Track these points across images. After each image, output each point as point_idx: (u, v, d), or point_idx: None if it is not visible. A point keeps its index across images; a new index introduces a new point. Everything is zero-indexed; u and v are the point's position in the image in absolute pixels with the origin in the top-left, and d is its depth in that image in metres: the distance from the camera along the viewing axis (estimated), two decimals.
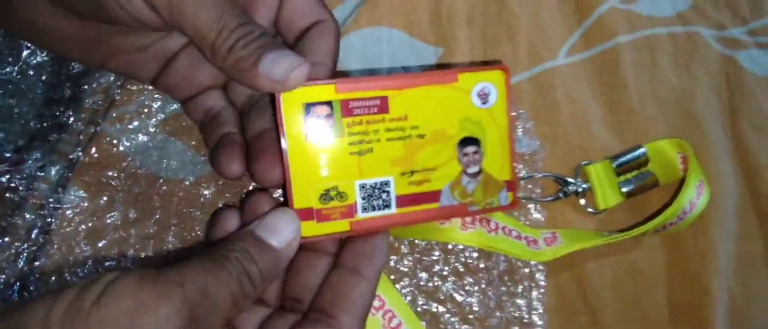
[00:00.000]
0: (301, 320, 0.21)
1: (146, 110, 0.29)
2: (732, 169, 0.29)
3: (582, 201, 0.28)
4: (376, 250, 0.21)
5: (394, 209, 0.22)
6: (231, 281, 0.18)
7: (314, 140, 0.21)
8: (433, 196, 0.22)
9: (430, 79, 0.22)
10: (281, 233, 0.20)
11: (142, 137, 0.28)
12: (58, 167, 0.27)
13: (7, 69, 0.28)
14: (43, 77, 0.29)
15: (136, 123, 0.29)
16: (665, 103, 0.30)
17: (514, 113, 0.29)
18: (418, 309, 0.27)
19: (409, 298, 0.27)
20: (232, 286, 0.18)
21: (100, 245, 0.26)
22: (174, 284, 0.16)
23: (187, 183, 0.27)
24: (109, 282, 0.16)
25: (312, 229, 0.21)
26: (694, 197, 0.26)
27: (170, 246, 0.26)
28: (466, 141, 0.23)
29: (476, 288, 0.27)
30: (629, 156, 0.29)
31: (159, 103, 0.29)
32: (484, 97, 0.23)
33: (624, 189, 0.28)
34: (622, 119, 0.30)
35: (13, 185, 0.26)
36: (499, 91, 0.23)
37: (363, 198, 0.22)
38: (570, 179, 0.28)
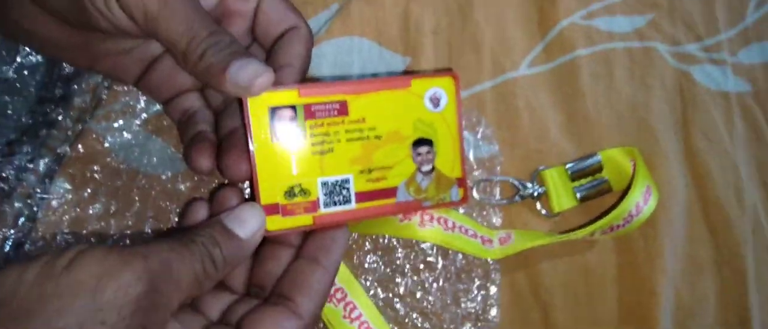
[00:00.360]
0: (263, 303, 0.22)
1: (130, 110, 0.31)
2: (683, 176, 0.31)
3: (538, 205, 0.30)
4: (335, 242, 0.23)
5: (353, 205, 0.24)
6: (194, 260, 0.20)
7: (279, 141, 0.23)
8: (390, 192, 0.24)
9: (386, 85, 0.24)
10: (247, 224, 0.22)
11: (125, 135, 0.30)
12: (46, 161, 0.29)
13: (4, 68, 0.30)
14: (37, 77, 0.31)
15: (120, 122, 0.31)
16: (620, 113, 0.32)
17: (474, 119, 0.31)
18: (379, 303, 0.28)
19: (371, 292, 0.28)
20: (195, 265, 0.20)
21: (82, 233, 0.28)
22: (138, 255, 0.18)
23: (164, 178, 0.29)
24: (79, 250, 0.18)
25: (277, 223, 0.23)
26: (641, 202, 0.28)
27: (147, 236, 0.28)
28: (420, 142, 0.24)
29: (434, 284, 0.28)
30: (584, 163, 0.30)
31: (142, 103, 0.31)
32: (435, 101, 0.24)
33: (578, 194, 0.30)
34: (579, 128, 0.32)
35: (3, 175, 0.28)
36: (450, 95, 0.24)
37: (325, 194, 0.23)
38: (527, 183, 0.30)
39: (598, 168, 0.30)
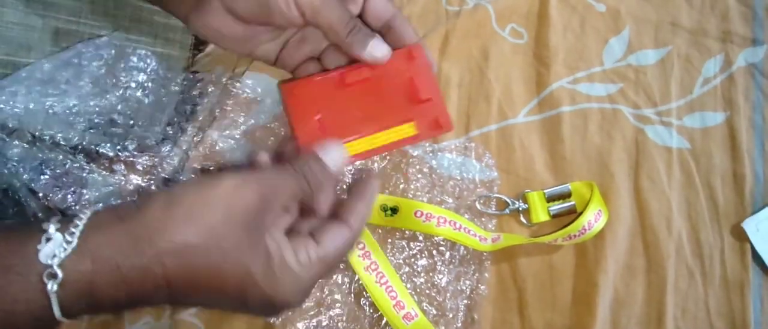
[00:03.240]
0: (326, 220, 0.29)
1: (235, 123, 0.44)
2: (629, 207, 0.42)
3: (521, 217, 0.42)
4: (370, 185, 0.31)
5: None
6: (294, 183, 0.27)
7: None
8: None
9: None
10: (334, 157, 0.29)
11: (231, 142, 0.43)
12: (179, 157, 0.42)
13: (142, 77, 0.42)
14: (175, 87, 0.43)
15: (228, 132, 0.43)
16: (589, 156, 0.44)
17: (480, 151, 0.43)
18: (403, 275, 0.40)
19: (400, 269, 0.40)
20: (293, 187, 0.27)
21: None
22: (254, 178, 0.26)
23: None
24: (220, 174, 0.26)
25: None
26: (592, 220, 0.39)
27: None
28: None
29: (443, 266, 0.40)
30: (558, 190, 0.42)
31: (242, 118, 0.44)
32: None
33: (551, 212, 0.42)
34: (557, 164, 0.43)
35: (152, 164, 0.41)
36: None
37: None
38: (515, 201, 0.42)
39: (568, 194, 0.42)
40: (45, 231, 0.24)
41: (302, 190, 0.28)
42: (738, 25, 0.49)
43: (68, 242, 0.23)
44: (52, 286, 0.23)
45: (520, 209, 0.42)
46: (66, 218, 0.24)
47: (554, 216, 0.41)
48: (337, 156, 0.29)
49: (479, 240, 0.40)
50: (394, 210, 0.40)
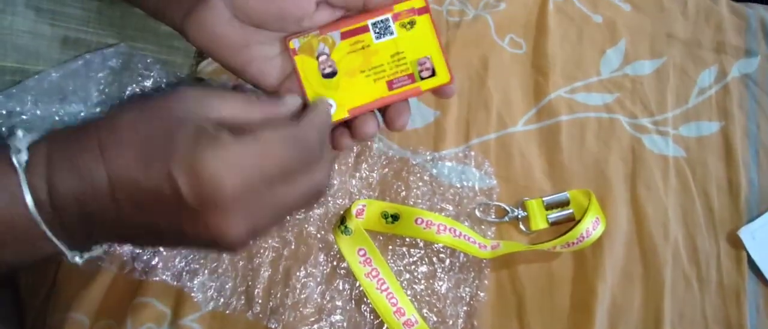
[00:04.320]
0: None
1: None
2: (626, 214, 0.43)
3: (520, 224, 0.42)
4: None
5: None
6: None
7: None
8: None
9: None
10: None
11: None
12: None
13: (148, 83, 0.42)
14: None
15: None
16: (587, 165, 0.44)
17: (480, 159, 0.43)
18: (404, 282, 0.41)
19: (400, 275, 0.41)
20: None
21: None
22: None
23: None
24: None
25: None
26: (590, 228, 0.40)
27: None
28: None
29: (443, 272, 0.41)
30: (556, 198, 0.43)
31: None
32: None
33: (550, 219, 0.42)
34: (556, 173, 0.44)
35: None
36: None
37: None
38: (515, 209, 0.43)
39: (566, 202, 0.43)
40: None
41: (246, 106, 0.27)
42: (732, 36, 0.50)
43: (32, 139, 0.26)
44: (19, 160, 0.25)
45: (519, 216, 0.42)
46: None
47: (553, 224, 0.42)
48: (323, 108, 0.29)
49: (479, 248, 0.40)
50: (395, 218, 0.41)
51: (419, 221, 0.40)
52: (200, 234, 0.25)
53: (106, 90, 0.39)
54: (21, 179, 0.24)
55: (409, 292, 0.40)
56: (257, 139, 0.25)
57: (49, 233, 0.25)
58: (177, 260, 0.39)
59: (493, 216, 0.43)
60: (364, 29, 0.32)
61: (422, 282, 0.41)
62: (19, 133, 0.26)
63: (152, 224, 0.25)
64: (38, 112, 0.36)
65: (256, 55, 0.30)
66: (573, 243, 0.40)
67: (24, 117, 0.34)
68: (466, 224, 0.42)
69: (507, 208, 0.42)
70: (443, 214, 0.42)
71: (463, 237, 0.41)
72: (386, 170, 0.43)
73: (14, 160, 0.25)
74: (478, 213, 0.42)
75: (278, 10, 0.29)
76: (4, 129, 0.34)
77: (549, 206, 0.42)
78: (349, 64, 0.32)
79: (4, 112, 0.34)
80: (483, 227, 0.42)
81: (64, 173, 0.25)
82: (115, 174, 0.24)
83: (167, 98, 0.25)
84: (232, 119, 0.25)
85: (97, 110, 0.38)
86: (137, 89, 0.39)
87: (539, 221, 0.42)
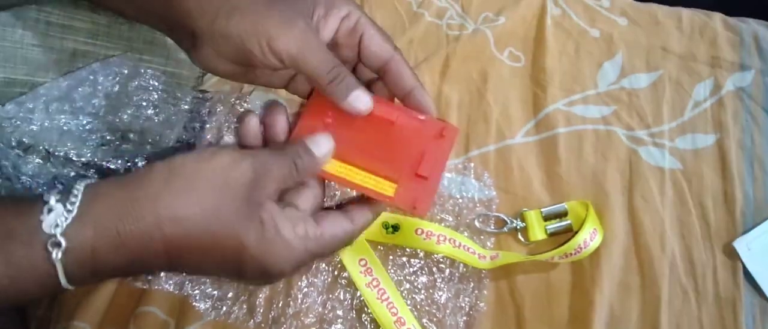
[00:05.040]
0: (332, 209, 0.32)
1: None
2: (624, 225, 0.43)
3: (519, 235, 0.43)
4: (379, 203, 0.32)
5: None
6: (284, 164, 0.29)
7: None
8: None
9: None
10: (322, 146, 0.30)
11: None
12: None
13: (155, 95, 0.43)
14: (184, 106, 0.44)
15: None
16: (585, 176, 0.45)
17: (480, 171, 0.44)
18: (404, 291, 0.41)
19: (401, 285, 0.41)
20: (284, 168, 0.29)
21: None
22: (250, 155, 0.28)
23: None
24: (220, 148, 0.28)
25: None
26: (588, 239, 0.40)
27: None
28: None
29: (443, 283, 0.41)
30: (555, 209, 0.43)
31: None
32: None
33: (549, 230, 0.43)
34: (554, 184, 0.45)
35: None
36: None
37: None
38: (513, 220, 0.43)
39: (564, 214, 0.43)
40: (46, 202, 0.25)
41: (291, 173, 0.29)
42: (726, 51, 0.51)
43: (69, 211, 0.25)
44: (56, 254, 0.24)
45: (518, 227, 0.43)
46: (65, 189, 0.26)
47: (551, 235, 0.43)
48: (324, 147, 0.31)
49: (478, 258, 0.41)
50: (396, 228, 0.41)
51: (419, 231, 0.41)
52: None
53: (114, 100, 0.40)
54: (57, 266, 0.25)
55: (409, 302, 0.41)
56: (308, 238, 0.29)
57: (63, 279, 0.25)
58: None
59: (492, 227, 0.43)
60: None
61: (422, 291, 0.41)
62: (80, 185, 0.26)
63: (201, 264, 0.28)
64: (47, 123, 0.36)
65: (259, 73, 0.33)
66: (571, 254, 0.40)
67: (34, 127, 0.35)
68: (466, 234, 0.42)
69: (506, 219, 0.43)
70: (443, 224, 0.42)
71: (462, 247, 0.41)
72: None
73: (49, 248, 0.25)
74: (477, 224, 0.43)
75: (251, 80, 0.33)
76: (13, 137, 0.35)
77: (547, 217, 0.43)
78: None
79: (15, 120, 0.35)
80: (482, 237, 0.43)
81: (107, 221, 0.25)
82: (172, 232, 0.26)
83: (223, 161, 0.28)
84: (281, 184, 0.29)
85: (105, 120, 0.39)
86: (144, 103, 0.40)
87: (538, 232, 0.43)
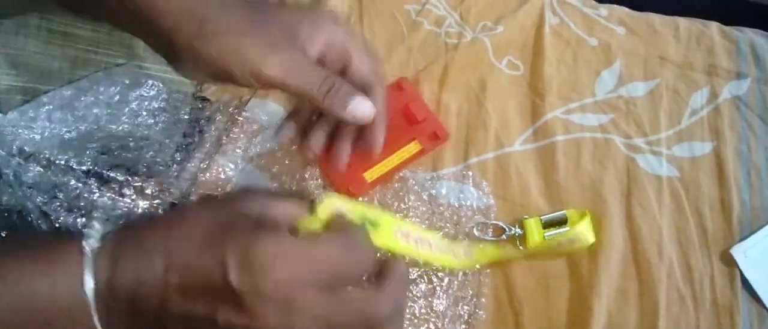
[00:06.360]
0: None
1: (242, 151, 0.45)
2: (622, 233, 0.44)
3: (518, 243, 0.43)
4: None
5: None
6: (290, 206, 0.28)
7: None
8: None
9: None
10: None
11: (236, 167, 0.44)
12: (186, 182, 0.43)
13: (154, 104, 0.44)
14: (183, 114, 0.44)
15: (234, 158, 0.45)
16: (583, 184, 0.45)
17: (478, 179, 0.44)
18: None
19: None
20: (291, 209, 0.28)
21: None
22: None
23: None
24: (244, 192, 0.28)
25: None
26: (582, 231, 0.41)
27: None
28: None
29: (441, 291, 0.41)
30: (553, 216, 0.43)
31: (249, 144, 0.45)
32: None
33: (547, 237, 0.43)
34: (552, 192, 0.45)
35: (160, 189, 0.42)
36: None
37: None
38: (512, 227, 0.43)
39: (564, 221, 0.44)
40: (82, 253, 0.25)
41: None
42: (723, 59, 0.51)
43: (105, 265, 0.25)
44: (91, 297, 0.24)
45: (517, 235, 0.43)
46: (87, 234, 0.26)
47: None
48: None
49: (452, 256, 0.40)
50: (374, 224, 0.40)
51: (398, 233, 0.39)
52: (232, 322, 0.24)
53: (115, 108, 0.40)
54: (87, 266, 0.24)
55: (407, 310, 0.41)
56: (313, 241, 0.25)
57: (97, 323, 0.25)
58: None
59: (491, 235, 0.43)
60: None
61: (421, 300, 0.41)
62: (97, 224, 0.25)
63: (190, 311, 0.25)
64: (47, 132, 0.37)
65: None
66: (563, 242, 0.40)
67: (35, 136, 0.35)
68: (465, 242, 0.42)
69: (504, 226, 0.43)
70: (442, 233, 0.43)
71: (437, 250, 0.39)
72: (386, 190, 0.44)
73: (86, 247, 0.24)
74: (476, 232, 0.43)
75: (221, 74, 0.31)
76: (15, 145, 0.35)
77: (547, 225, 0.43)
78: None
79: (16, 128, 0.35)
80: (482, 246, 0.43)
81: (128, 265, 0.25)
82: (172, 259, 0.25)
83: (234, 196, 0.28)
84: (292, 220, 0.27)
85: (106, 128, 0.39)
86: (144, 112, 0.40)
87: (536, 240, 0.43)
